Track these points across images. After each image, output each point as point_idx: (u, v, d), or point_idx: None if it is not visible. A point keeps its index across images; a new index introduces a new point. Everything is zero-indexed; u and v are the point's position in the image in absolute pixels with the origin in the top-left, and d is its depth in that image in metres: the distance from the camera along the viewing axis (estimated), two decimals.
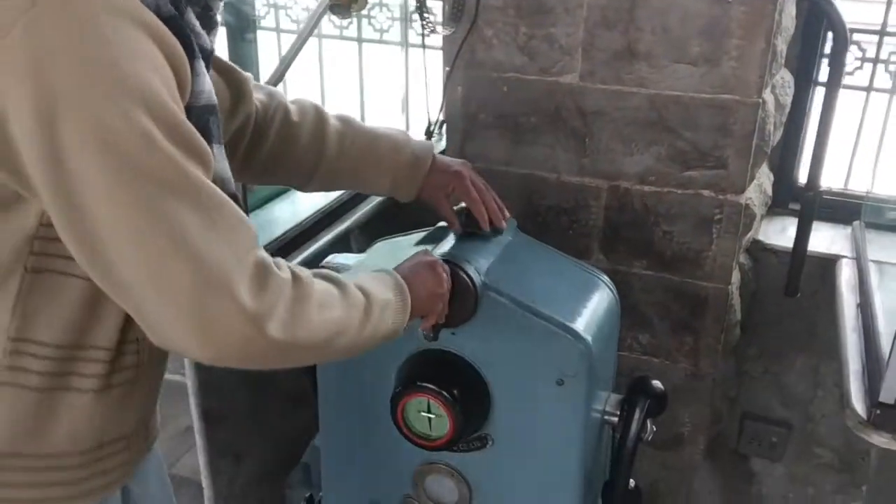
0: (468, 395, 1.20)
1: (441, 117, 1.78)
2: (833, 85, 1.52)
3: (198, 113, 0.82)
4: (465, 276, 1.14)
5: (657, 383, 1.30)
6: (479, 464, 1.29)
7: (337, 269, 1.21)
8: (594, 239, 1.74)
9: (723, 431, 1.95)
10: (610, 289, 1.32)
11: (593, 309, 1.25)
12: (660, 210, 1.66)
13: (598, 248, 1.75)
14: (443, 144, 1.80)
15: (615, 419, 1.29)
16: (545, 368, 1.18)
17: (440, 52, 1.74)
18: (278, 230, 1.54)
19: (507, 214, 1.30)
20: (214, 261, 0.74)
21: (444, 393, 1.16)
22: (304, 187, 1.27)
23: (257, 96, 1.18)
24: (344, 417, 1.33)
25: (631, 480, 1.32)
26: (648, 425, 1.30)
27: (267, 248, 1.25)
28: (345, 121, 1.24)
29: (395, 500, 1.35)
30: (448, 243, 1.23)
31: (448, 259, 1.15)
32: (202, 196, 0.75)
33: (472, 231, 1.26)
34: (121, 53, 0.70)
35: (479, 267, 1.17)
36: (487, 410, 1.22)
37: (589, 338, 1.16)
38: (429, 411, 1.18)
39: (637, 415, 1.28)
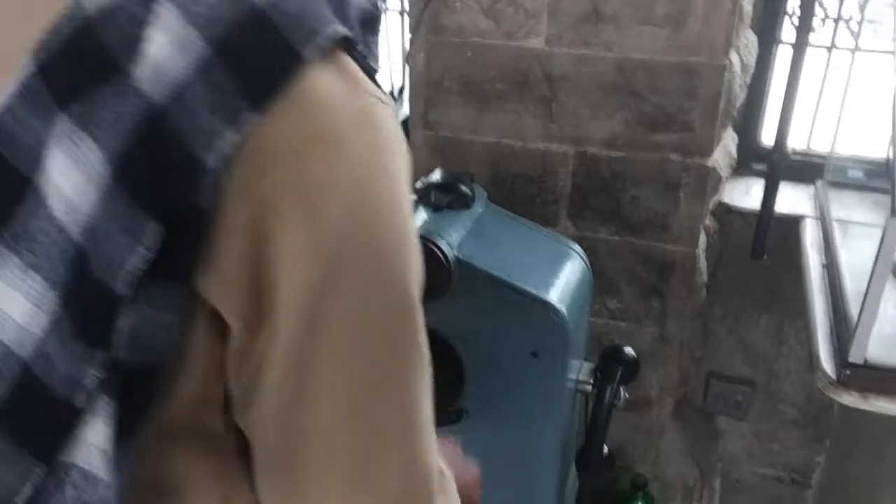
0: (440, 371, 1.18)
1: (403, 83, 1.74)
2: (800, 45, 1.51)
3: None
4: (437, 251, 1.12)
5: (630, 351, 1.30)
6: (455, 437, 1.28)
7: None
8: (562, 206, 1.73)
9: (689, 392, 1.98)
10: (582, 258, 1.31)
11: (566, 280, 1.24)
12: (627, 175, 1.65)
13: (566, 216, 1.73)
14: (405, 111, 1.76)
15: (588, 387, 1.29)
16: (520, 341, 1.17)
17: (402, 17, 1.69)
18: None
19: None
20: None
21: None
22: None
23: None
24: None
25: (604, 446, 1.33)
26: (621, 392, 1.30)
27: None
28: None
29: None
30: (419, 218, 1.20)
31: (421, 235, 1.12)
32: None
33: (441, 206, 1.24)
34: None
35: (451, 241, 1.15)
36: (460, 385, 1.21)
37: (563, 309, 1.16)
38: None
39: (611, 383, 1.29)
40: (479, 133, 1.70)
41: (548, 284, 1.19)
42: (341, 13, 0.48)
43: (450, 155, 1.70)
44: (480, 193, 1.29)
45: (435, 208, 1.23)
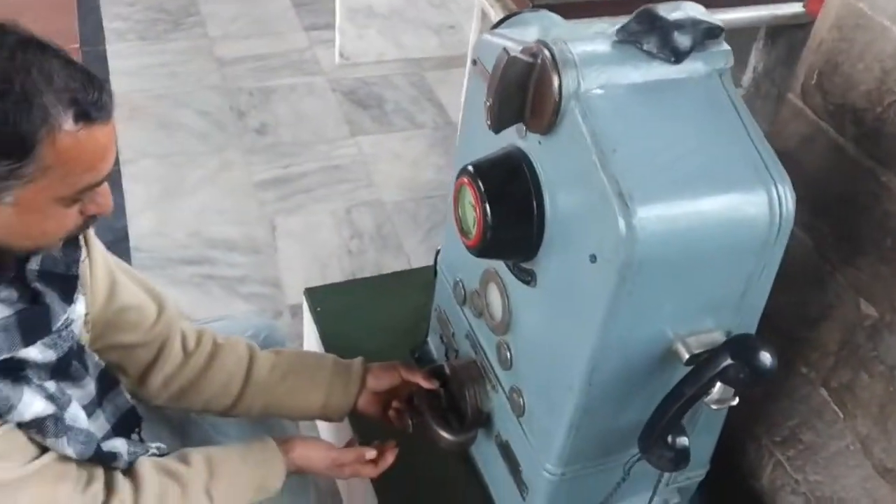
0: (513, 206, 1.00)
1: None
2: None
3: None
4: (549, 61, 0.89)
5: (766, 357, 0.92)
6: (521, 297, 1.12)
7: None
8: None
9: None
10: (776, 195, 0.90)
11: (711, 209, 0.89)
12: None
13: None
14: None
15: (686, 355, 0.97)
16: (586, 236, 0.92)
17: None
18: None
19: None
20: None
21: (481, 185, 1.00)
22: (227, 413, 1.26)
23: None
24: None
25: (680, 439, 1.02)
26: (722, 391, 0.95)
27: None
28: (276, 351, 1.28)
29: (471, 286, 1.26)
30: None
31: (540, 40, 0.91)
32: None
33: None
34: None
35: (584, 73, 0.90)
36: (530, 239, 1.01)
37: (646, 226, 0.86)
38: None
39: (706, 373, 0.95)
40: None
41: (665, 189, 0.87)
42: None
43: None
44: (718, 55, 0.95)
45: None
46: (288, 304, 2.21)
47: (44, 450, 0.95)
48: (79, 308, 1.00)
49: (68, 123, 0.82)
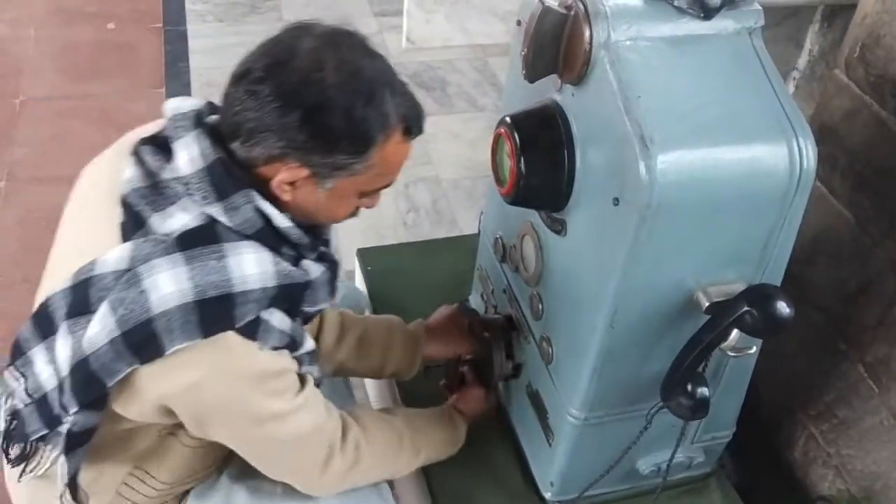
0: (546, 156, 1.06)
1: None
2: None
3: None
4: (581, 13, 0.94)
5: (783, 306, 0.95)
6: (553, 247, 1.17)
7: None
8: None
9: None
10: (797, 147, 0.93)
11: (731, 157, 0.93)
12: None
13: None
14: None
15: (706, 303, 1.01)
16: (611, 180, 0.97)
17: None
18: None
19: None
20: None
21: (517, 136, 1.06)
22: None
23: None
24: None
25: (701, 389, 1.06)
26: (739, 339, 0.99)
27: None
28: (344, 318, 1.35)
29: (510, 241, 1.32)
30: None
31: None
32: None
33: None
34: None
35: (615, 25, 0.95)
36: (560, 188, 1.06)
37: (666, 169, 0.90)
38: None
39: (722, 319, 0.99)
40: None
41: (685, 136, 0.91)
42: None
43: None
44: (749, 14, 0.98)
45: None
46: (345, 270, 2.30)
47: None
48: None
49: (397, 134, 0.95)
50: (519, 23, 1.14)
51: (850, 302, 1.42)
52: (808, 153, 0.95)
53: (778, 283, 1.07)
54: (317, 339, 1.32)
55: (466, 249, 1.61)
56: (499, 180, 1.13)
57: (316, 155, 0.92)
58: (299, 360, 1.03)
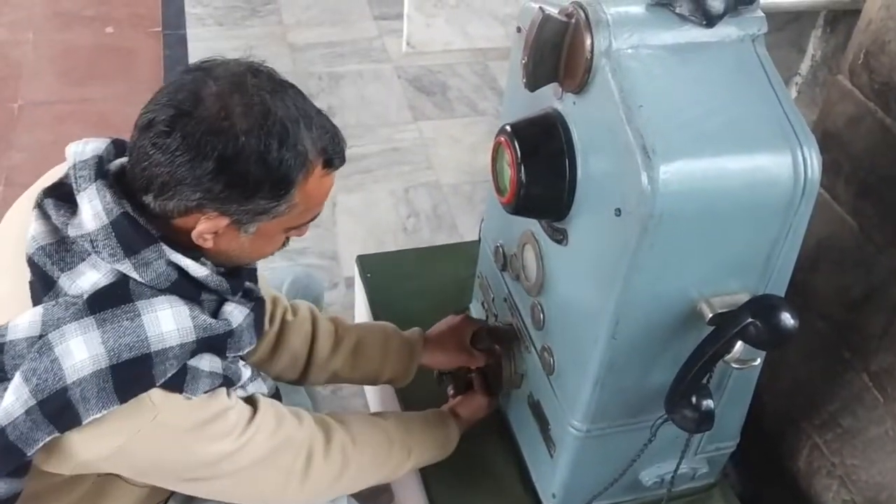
0: (547, 165, 1.04)
1: None
2: None
3: None
4: (582, 21, 0.93)
5: (787, 318, 0.94)
6: (554, 257, 1.16)
7: None
8: None
9: None
10: (801, 156, 0.92)
11: (734, 166, 0.92)
12: None
13: None
14: None
15: (709, 314, 0.99)
16: (612, 191, 0.96)
17: None
18: None
19: None
20: None
21: (517, 145, 1.04)
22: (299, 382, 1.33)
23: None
24: None
25: (706, 402, 1.04)
26: (743, 350, 0.98)
27: None
28: (336, 326, 1.32)
29: (510, 250, 1.31)
30: None
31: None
32: None
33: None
34: None
35: (616, 33, 0.94)
36: (562, 198, 1.05)
37: (668, 179, 0.89)
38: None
39: (726, 331, 0.97)
40: None
41: (688, 145, 0.90)
42: None
43: None
44: (752, 21, 0.97)
45: None
46: (344, 276, 2.30)
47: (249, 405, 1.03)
48: None
49: (318, 169, 0.93)
50: (519, 29, 1.13)
51: (854, 310, 1.41)
52: (813, 162, 0.93)
53: (782, 293, 1.05)
54: (311, 348, 1.30)
55: (467, 256, 1.60)
56: (499, 189, 1.12)
57: (234, 203, 0.89)
58: (243, 387, 1.01)
